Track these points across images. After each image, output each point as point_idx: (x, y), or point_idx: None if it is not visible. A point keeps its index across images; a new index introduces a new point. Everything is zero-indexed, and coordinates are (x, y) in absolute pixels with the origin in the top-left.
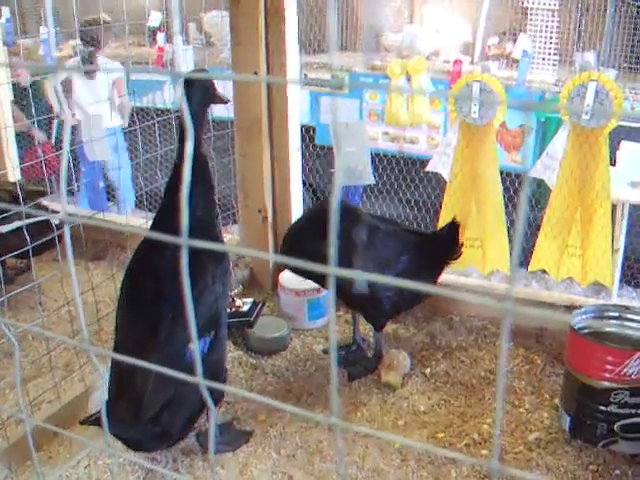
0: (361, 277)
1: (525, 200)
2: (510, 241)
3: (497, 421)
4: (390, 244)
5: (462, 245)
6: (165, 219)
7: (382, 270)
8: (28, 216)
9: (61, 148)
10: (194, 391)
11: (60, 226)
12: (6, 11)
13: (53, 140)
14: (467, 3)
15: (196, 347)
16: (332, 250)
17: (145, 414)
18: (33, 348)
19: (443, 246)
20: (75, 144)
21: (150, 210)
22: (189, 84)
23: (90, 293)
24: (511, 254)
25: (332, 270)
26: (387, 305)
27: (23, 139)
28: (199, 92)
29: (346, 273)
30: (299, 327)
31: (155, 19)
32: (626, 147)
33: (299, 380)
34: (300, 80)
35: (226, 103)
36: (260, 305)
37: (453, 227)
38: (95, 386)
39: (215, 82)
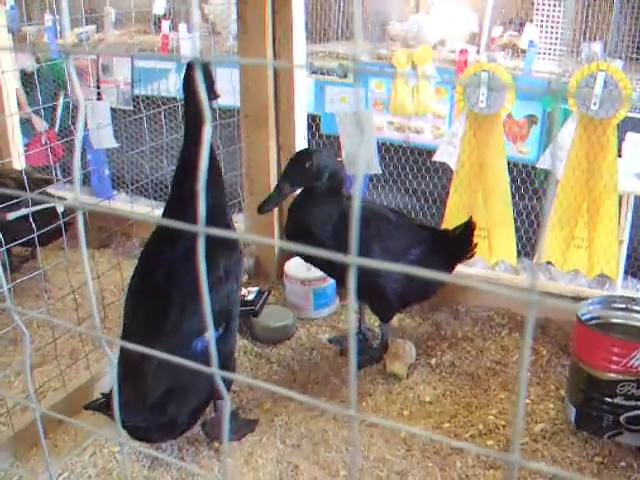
0: (378, 266)
1: (550, 193)
2: (517, 231)
3: (519, 412)
4: (400, 236)
5: (475, 245)
6: (176, 208)
7: (391, 261)
8: (35, 204)
9: (65, 136)
10: (201, 381)
11: (66, 214)
12: None
13: (57, 128)
14: None
15: (212, 336)
16: (354, 240)
17: (149, 396)
18: (38, 336)
19: (456, 245)
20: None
21: (155, 198)
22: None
23: (95, 281)
24: (518, 245)
25: (353, 260)
26: (393, 297)
27: (27, 127)
28: (205, 81)
29: (366, 262)
30: (304, 316)
31: (160, 6)
32: (632, 139)
33: (304, 369)
34: (307, 66)
35: (216, 98)
36: (265, 294)
37: (468, 227)
38: (101, 374)
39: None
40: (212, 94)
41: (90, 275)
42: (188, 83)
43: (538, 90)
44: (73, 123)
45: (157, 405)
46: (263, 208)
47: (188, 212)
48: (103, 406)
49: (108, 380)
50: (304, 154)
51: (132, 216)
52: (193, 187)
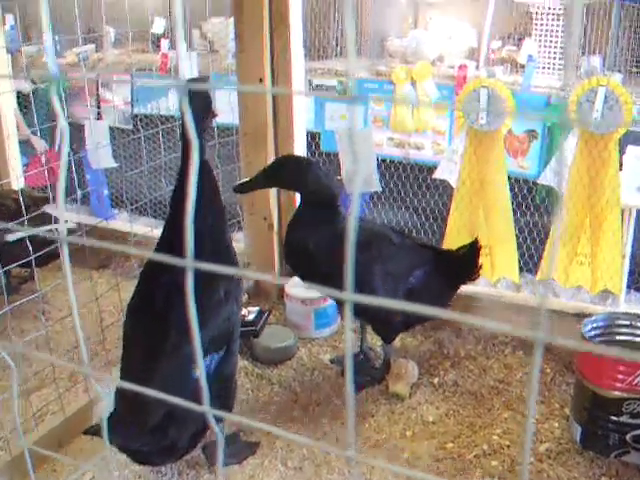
0: (375, 302)
1: (558, 212)
2: (518, 247)
3: (525, 451)
4: (402, 258)
5: (481, 267)
6: (172, 233)
7: (392, 283)
8: (34, 225)
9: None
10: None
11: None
12: (10, 18)
13: (56, 148)
14: (472, 8)
15: (202, 374)
16: (350, 274)
17: (149, 421)
18: (37, 359)
19: (461, 266)
20: (79, 151)
21: (155, 217)
22: (193, 92)
23: (94, 302)
24: (520, 261)
25: (349, 296)
26: (396, 320)
27: (28, 147)
28: (202, 100)
29: (363, 299)
30: (305, 336)
31: (159, 25)
32: (633, 152)
33: (306, 390)
34: (305, 92)
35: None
36: (266, 314)
37: (473, 248)
38: (99, 397)
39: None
40: (210, 114)
41: (83, 297)
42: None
43: (539, 114)
44: (72, 143)
45: (158, 429)
46: (237, 189)
47: (183, 238)
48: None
49: (107, 404)
50: (287, 160)
51: (119, 249)
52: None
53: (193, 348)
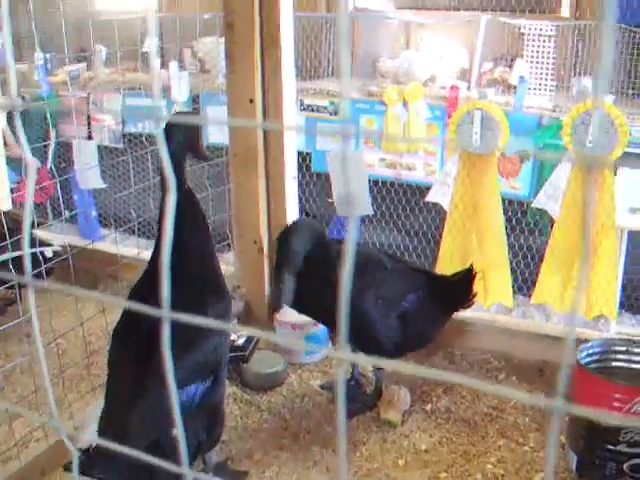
0: (370, 363)
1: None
2: (511, 271)
3: None
4: (395, 282)
5: (475, 295)
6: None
7: (385, 308)
8: (19, 248)
9: (58, 173)
10: (188, 436)
11: (50, 259)
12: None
13: (49, 165)
14: (463, 29)
15: (181, 433)
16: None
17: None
18: (22, 383)
19: (455, 293)
20: (67, 173)
21: (144, 238)
22: (175, 127)
23: (81, 325)
24: (514, 286)
25: (344, 355)
26: (389, 346)
27: (17, 164)
28: (183, 130)
29: (358, 358)
30: (296, 362)
31: (149, 45)
32: (625, 173)
33: (296, 417)
34: (297, 128)
35: (206, 160)
36: (255, 339)
37: (468, 275)
38: (84, 425)
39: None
40: (195, 146)
41: (68, 320)
42: (168, 136)
43: (538, 153)
44: (64, 161)
45: (141, 466)
46: (278, 307)
47: (173, 261)
48: (83, 466)
49: (91, 432)
50: (287, 239)
51: (82, 294)
52: (178, 235)
53: (177, 375)
